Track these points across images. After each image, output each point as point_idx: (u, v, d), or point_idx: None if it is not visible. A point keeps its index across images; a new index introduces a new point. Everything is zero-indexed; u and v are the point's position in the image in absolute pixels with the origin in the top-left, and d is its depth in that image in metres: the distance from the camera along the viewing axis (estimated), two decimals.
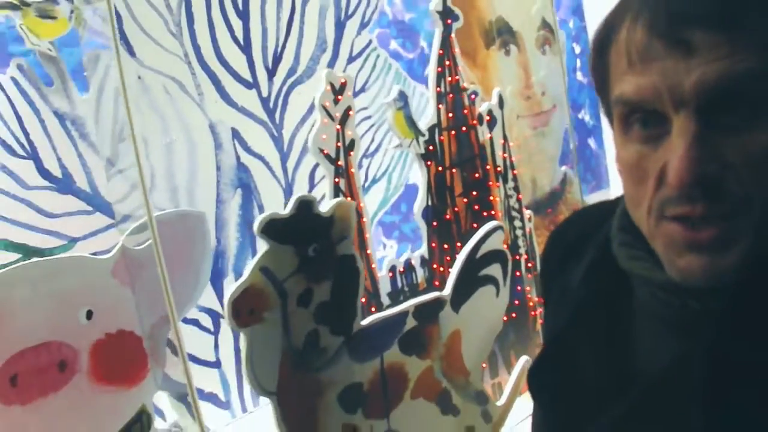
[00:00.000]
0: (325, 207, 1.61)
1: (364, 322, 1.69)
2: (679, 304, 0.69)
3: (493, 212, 2.11)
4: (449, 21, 2.03)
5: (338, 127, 1.83)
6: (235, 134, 2.00)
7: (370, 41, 2.24)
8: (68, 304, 1.54)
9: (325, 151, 1.82)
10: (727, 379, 0.65)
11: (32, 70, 1.73)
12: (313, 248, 1.59)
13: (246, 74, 2.01)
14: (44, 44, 1.74)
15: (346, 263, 1.65)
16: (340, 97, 1.83)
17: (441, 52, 2.01)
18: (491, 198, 2.11)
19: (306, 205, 1.57)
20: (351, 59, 2.18)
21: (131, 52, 1.84)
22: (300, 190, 2.10)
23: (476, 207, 2.07)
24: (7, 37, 1.87)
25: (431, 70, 2.00)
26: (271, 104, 2.06)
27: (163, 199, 1.87)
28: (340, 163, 1.83)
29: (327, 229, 1.61)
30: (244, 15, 1.99)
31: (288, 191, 2.08)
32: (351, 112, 1.85)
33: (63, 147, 1.76)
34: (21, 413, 1.50)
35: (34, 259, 1.63)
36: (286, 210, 1.54)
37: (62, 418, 1.55)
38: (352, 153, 1.86)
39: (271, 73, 2.05)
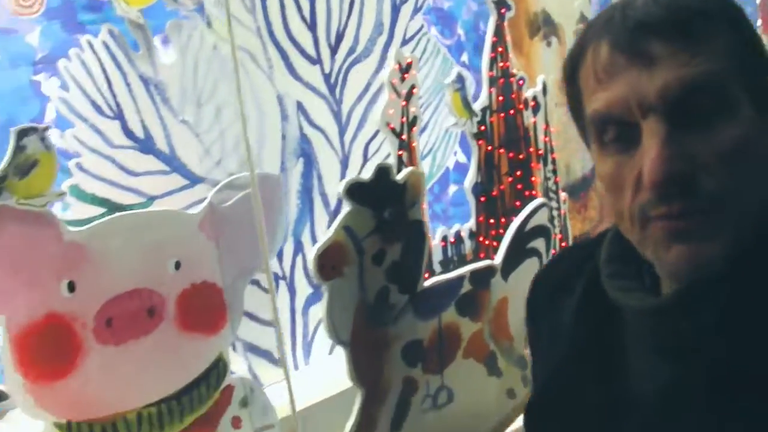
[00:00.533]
0: (400, 175, 1.73)
1: (427, 283, 1.82)
2: (671, 326, 0.71)
3: (533, 192, 2.25)
4: (503, 10, 2.17)
5: (404, 102, 1.95)
6: (300, 107, 2.11)
7: (422, 25, 2.36)
8: (158, 255, 1.65)
9: (391, 126, 1.95)
10: (726, 395, 0.67)
11: (122, 36, 1.83)
12: (388, 212, 1.71)
13: (311, 51, 2.12)
14: (133, 12, 1.85)
15: (416, 228, 1.77)
16: (406, 75, 1.95)
17: (495, 39, 2.15)
18: (533, 179, 2.25)
19: (384, 172, 1.70)
20: (405, 42, 2.30)
21: (209, 23, 1.95)
22: (355, 162, 2.22)
23: (519, 186, 2.22)
24: (76, 5, 1.97)
25: (485, 55, 2.14)
26: (332, 80, 2.17)
27: (233, 162, 1.98)
28: (403, 137, 1.96)
29: (401, 194, 1.74)
30: None
31: (344, 163, 2.19)
32: (415, 90, 1.98)
33: (146, 110, 1.86)
34: (114, 353, 1.60)
35: (129, 212, 1.74)
36: (366, 176, 1.67)
37: (150, 360, 1.65)
38: (414, 129, 1.98)
39: (334, 51, 2.16)
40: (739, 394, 0.66)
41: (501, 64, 2.16)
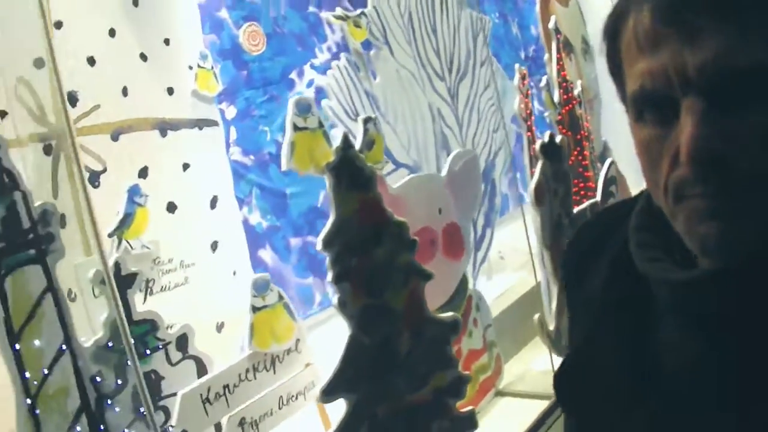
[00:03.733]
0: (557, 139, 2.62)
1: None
2: (698, 301, 0.70)
3: (586, 162, 3.22)
4: (558, 35, 3.15)
5: (527, 101, 2.85)
6: (438, 112, 2.93)
7: (488, 53, 3.28)
8: (431, 203, 2.40)
9: (522, 116, 2.83)
10: (754, 373, 0.66)
11: (352, 61, 2.56)
12: (558, 165, 2.60)
13: (439, 70, 2.96)
14: (356, 44, 2.59)
15: (569, 175, 2.67)
16: (525, 81, 2.86)
17: (558, 55, 3.11)
18: (585, 153, 3.23)
19: (552, 137, 2.58)
20: (482, 63, 3.20)
21: (391, 52, 2.73)
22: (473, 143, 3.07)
23: (579, 158, 3.18)
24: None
25: (554, 66, 3.11)
26: (451, 92, 3.02)
27: (414, 150, 2.75)
28: (528, 123, 2.85)
29: (563, 153, 2.63)
30: (434, 32, 2.95)
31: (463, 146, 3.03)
32: (528, 92, 2.89)
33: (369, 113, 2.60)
34: None
35: (414, 175, 2.45)
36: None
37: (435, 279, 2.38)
38: (532, 117, 2.88)
39: (449, 71, 3.01)
40: (766, 373, 0.65)
41: (562, 73, 3.13)
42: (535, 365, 2.73)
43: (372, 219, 1.90)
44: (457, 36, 3.07)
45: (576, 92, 3.25)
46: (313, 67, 3.22)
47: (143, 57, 2.43)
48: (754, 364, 0.65)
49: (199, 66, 2.59)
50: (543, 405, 2.47)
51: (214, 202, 2.56)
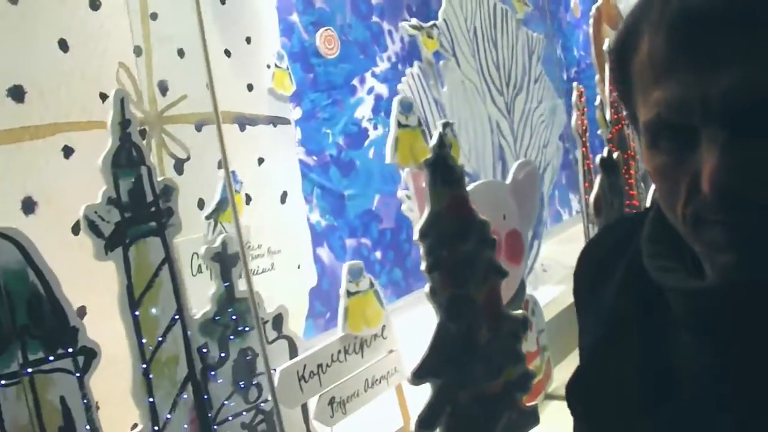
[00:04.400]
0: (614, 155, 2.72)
1: None
2: (713, 311, 0.69)
3: (631, 180, 3.33)
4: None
5: (582, 117, 2.95)
6: (496, 124, 3.03)
7: (541, 71, 3.39)
8: (497, 208, 2.49)
9: (578, 132, 2.93)
10: (764, 385, 0.65)
11: (424, 69, 2.66)
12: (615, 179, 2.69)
13: (498, 85, 3.07)
14: (428, 54, 2.69)
15: (623, 184, 2.77)
16: (582, 99, 2.96)
17: (611, 78, 3.22)
18: (631, 172, 3.33)
19: (611, 152, 2.68)
20: (536, 80, 3.31)
21: (458, 63, 2.84)
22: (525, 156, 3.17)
23: (626, 175, 3.28)
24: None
25: (608, 88, 3.21)
26: (508, 106, 3.12)
27: (471, 161, 2.85)
28: (584, 139, 2.95)
29: (619, 168, 2.73)
30: (495, 47, 3.06)
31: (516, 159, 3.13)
32: (585, 110, 2.99)
33: (436, 120, 2.70)
34: None
35: (483, 180, 2.54)
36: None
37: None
38: (587, 133, 2.98)
39: (507, 86, 3.12)
40: None
41: (614, 93, 3.24)
42: None
43: (460, 215, 1.99)
44: (515, 52, 3.18)
45: (625, 113, 3.36)
46: (374, 75, 3.34)
47: (227, 53, 2.53)
48: (763, 378, 0.65)
49: (276, 66, 2.69)
50: None
51: (284, 197, 2.65)
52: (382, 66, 3.32)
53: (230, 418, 1.76)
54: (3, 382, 1.38)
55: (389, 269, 3.49)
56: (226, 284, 1.76)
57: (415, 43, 2.74)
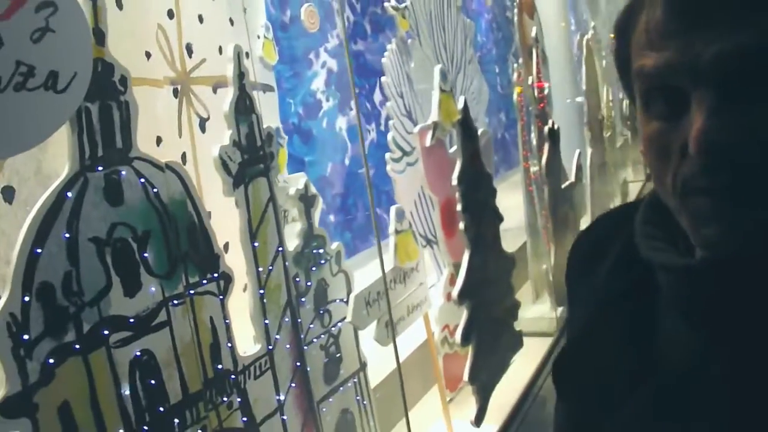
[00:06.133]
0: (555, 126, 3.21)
1: None
2: (701, 290, 0.69)
3: None
4: (537, 43, 3.76)
5: (521, 96, 3.42)
6: None
7: (472, 53, 3.83)
8: None
9: (519, 107, 3.39)
10: (752, 368, 0.65)
11: (400, 46, 2.98)
12: (557, 147, 3.19)
13: (447, 65, 3.46)
14: (402, 32, 3.02)
15: None
16: (520, 78, 3.43)
17: (538, 60, 3.72)
18: None
19: (554, 124, 3.17)
20: (469, 62, 3.74)
21: (420, 44, 3.19)
22: None
23: None
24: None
25: (533, 68, 3.70)
26: (451, 83, 3.52)
27: None
28: (522, 113, 3.43)
29: (559, 137, 3.22)
30: (444, 30, 3.46)
31: None
32: (522, 89, 3.46)
33: (407, 92, 3.03)
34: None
35: None
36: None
37: None
38: (522, 111, 3.46)
39: (452, 65, 3.52)
40: (764, 367, 0.64)
41: (539, 75, 3.75)
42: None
43: (476, 167, 2.37)
44: (456, 36, 3.58)
45: (545, 92, 3.88)
46: (326, 50, 3.59)
47: (231, 22, 2.69)
48: (752, 353, 0.65)
49: (264, 36, 2.89)
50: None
51: None
52: (333, 42, 3.59)
53: (314, 340, 2.00)
54: (175, 302, 1.55)
55: (341, 231, 3.75)
56: (309, 221, 2.00)
57: (361, 23, 3.05)
